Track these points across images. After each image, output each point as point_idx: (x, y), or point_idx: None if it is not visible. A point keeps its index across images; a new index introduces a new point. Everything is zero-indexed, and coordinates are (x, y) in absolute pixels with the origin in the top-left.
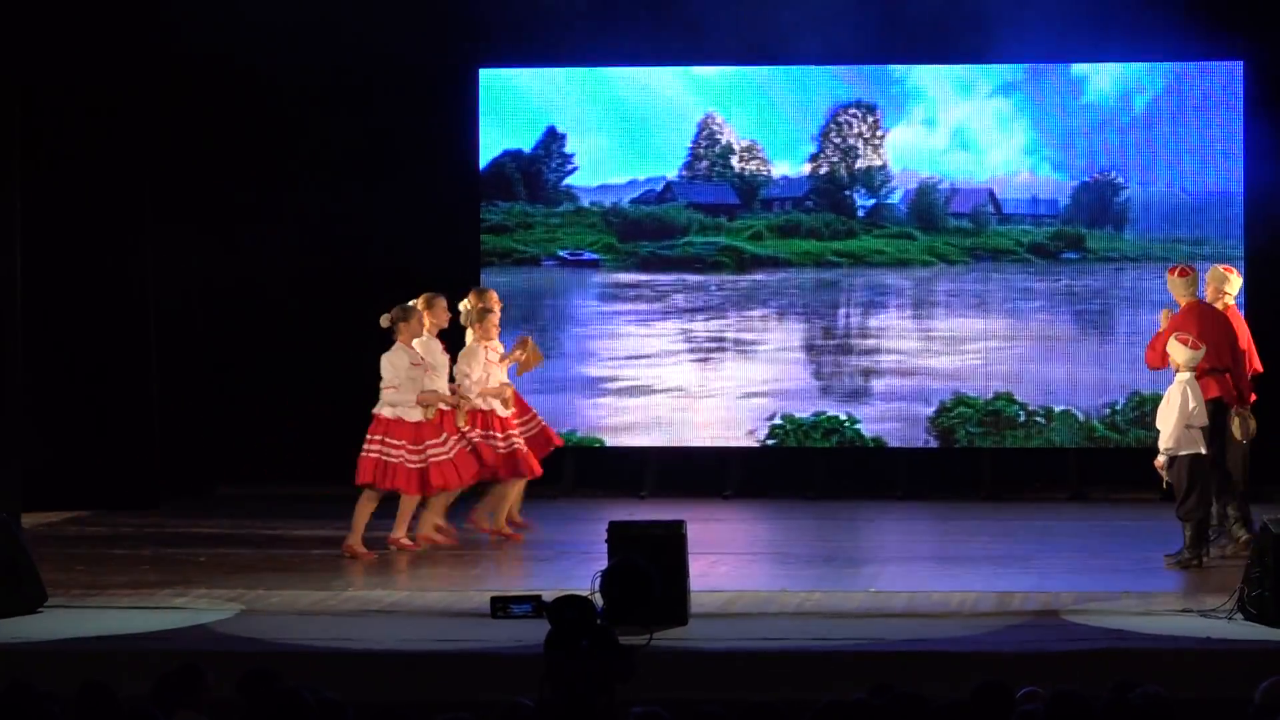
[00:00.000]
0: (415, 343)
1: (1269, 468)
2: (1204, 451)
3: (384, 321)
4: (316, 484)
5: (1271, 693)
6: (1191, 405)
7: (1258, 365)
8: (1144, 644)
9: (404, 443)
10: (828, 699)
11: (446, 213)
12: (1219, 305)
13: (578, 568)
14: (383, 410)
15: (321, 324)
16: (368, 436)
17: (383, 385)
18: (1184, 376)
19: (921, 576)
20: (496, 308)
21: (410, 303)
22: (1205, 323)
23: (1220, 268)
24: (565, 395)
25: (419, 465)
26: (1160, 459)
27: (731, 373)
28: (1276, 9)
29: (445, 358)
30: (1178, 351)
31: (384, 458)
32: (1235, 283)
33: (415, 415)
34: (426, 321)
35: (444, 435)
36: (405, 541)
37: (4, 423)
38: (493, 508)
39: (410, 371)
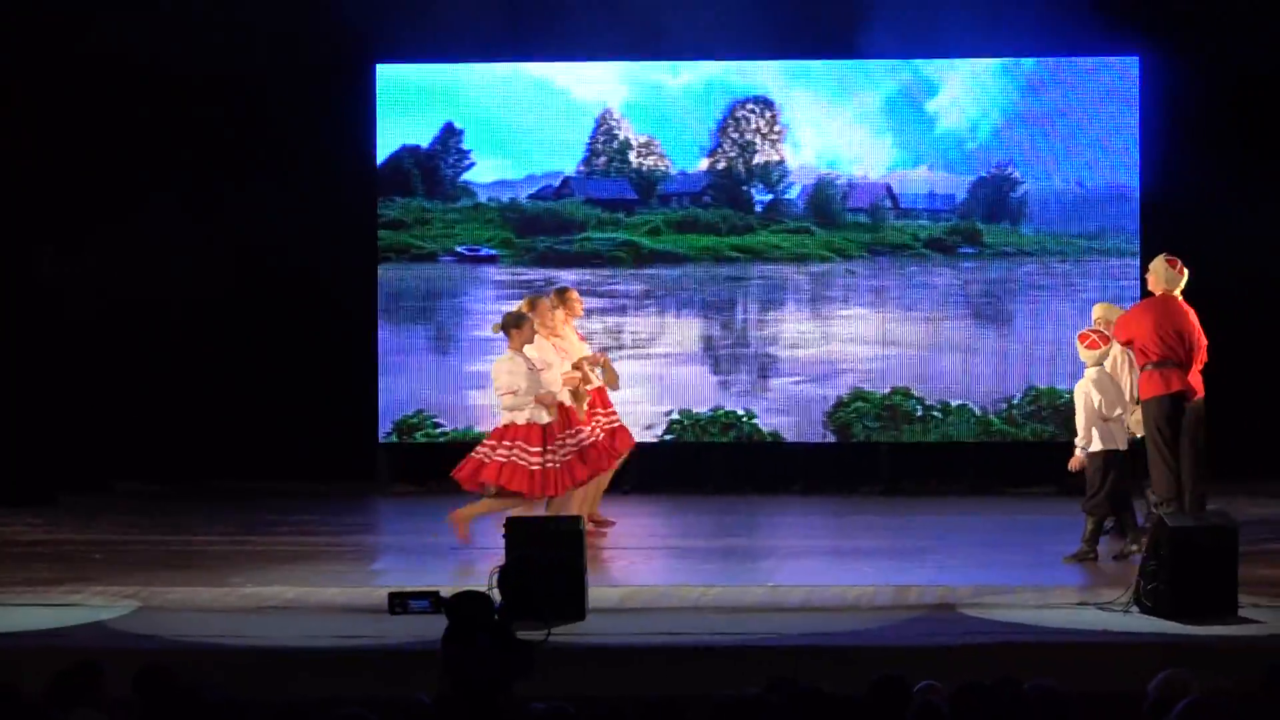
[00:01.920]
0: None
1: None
2: (1121, 447)
3: (494, 329)
4: (214, 480)
5: (1166, 686)
6: (1097, 401)
7: (1198, 358)
8: (1040, 637)
9: (537, 447)
10: (726, 694)
11: (344, 209)
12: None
13: (476, 564)
14: (512, 417)
15: (219, 320)
16: (493, 443)
17: (499, 392)
18: (1092, 372)
19: (819, 571)
20: (538, 313)
21: (519, 307)
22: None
23: (1161, 258)
24: (462, 392)
25: (540, 467)
26: (1077, 456)
27: (629, 368)
28: (1171, 5)
29: (558, 356)
30: (1082, 351)
31: (514, 460)
32: (1167, 275)
33: (545, 417)
34: (552, 320)
35: (565, 434)
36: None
37: None
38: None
39: (530, 376)
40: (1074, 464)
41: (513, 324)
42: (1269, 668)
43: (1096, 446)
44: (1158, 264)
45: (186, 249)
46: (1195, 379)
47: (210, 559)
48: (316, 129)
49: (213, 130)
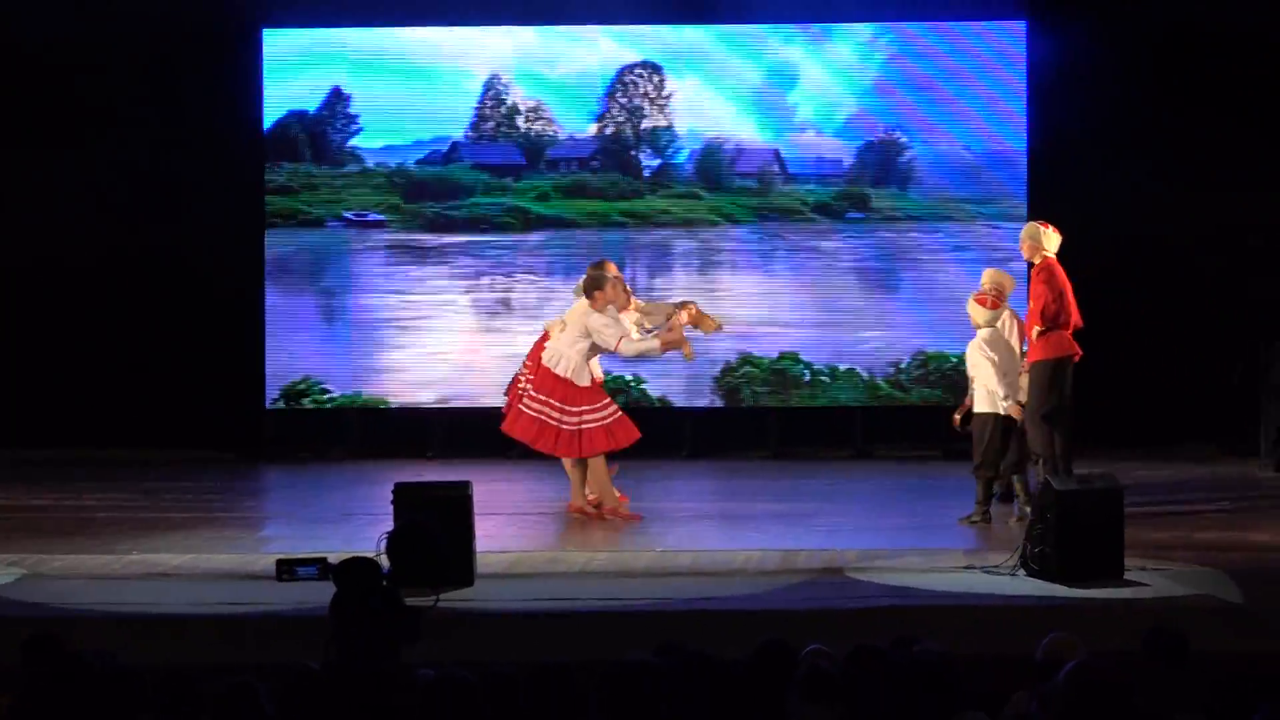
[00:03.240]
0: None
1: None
2: (1000, 411)
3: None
4: (100, 446)
5: (1053, 648)
6: (994, 358)
7: (1078, 320)
8: (927, 601)
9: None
10: (615, 659)
11: (231, 174)
12: (1037, 260)
13: (363, 530)
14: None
15: (106, 286)
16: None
17: (613, 342)
18: (984, 334)
19: (707, 535)
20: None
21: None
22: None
23: (1037, 224)
24: (349, 357)
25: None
26: (957, 416)
27: (517, 334)
28: None
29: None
30: (975, 311)
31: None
32: (1053, 239)
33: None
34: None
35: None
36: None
37: None
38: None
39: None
40: (1016, 412)
41: (594, 285)
42: (1148, 631)
43: (984, 408)
44: (1037, 230)
45: (73, 216)
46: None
47: (97, 526)
48: (203, 94)
49: (99, 96)
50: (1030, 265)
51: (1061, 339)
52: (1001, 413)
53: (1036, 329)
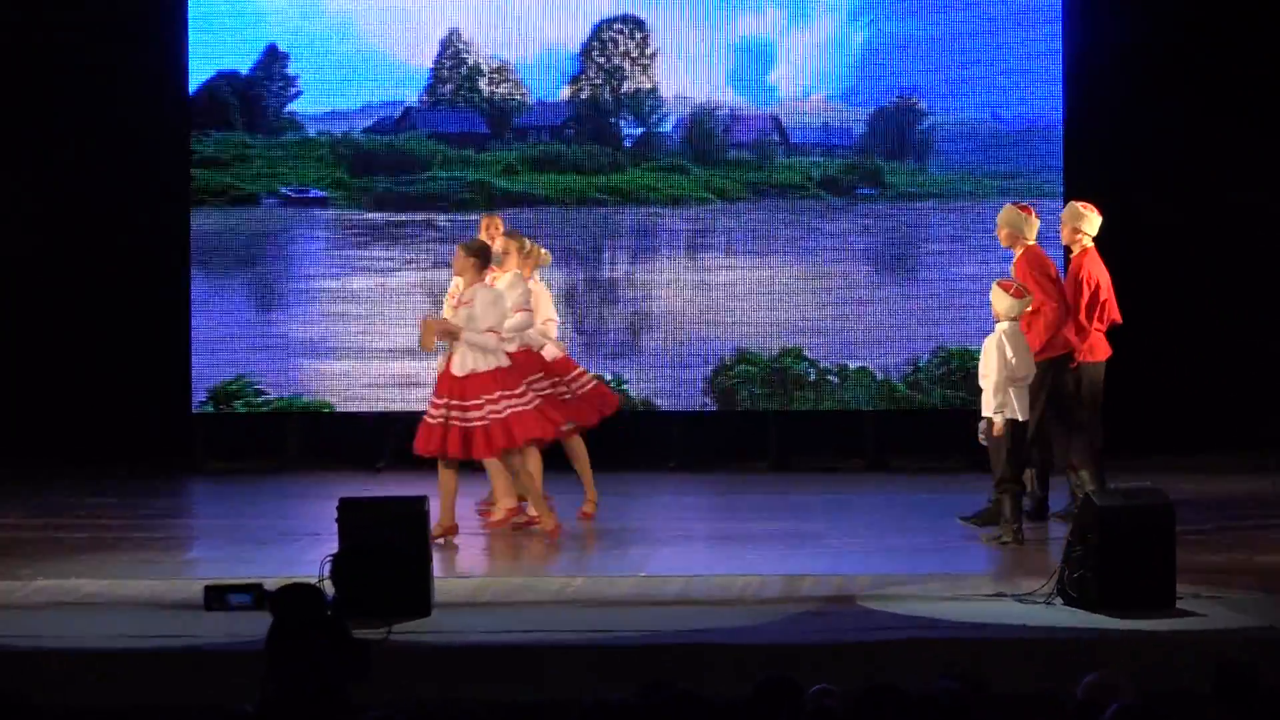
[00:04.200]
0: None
1: (1120, 435)
2: (1023, 417)
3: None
4: None
5: (1095, 688)
6: (1011, 358)
7: (1116, 316)
8: (951, 633)
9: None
10: (592, 698)
11: (150, 145)
12: (1075, 247)
13: (304, 552)
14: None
15: (8, 275)
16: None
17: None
18: (1003, 326)
19: (698, 559)
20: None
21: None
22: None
23: (1077, 205)
24: (287, 354)
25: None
26: (981, 424)
27: None
28: None
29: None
30: (998, 299)
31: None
32: (1094, 221)
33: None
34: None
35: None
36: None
37: None
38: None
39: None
40: (998, 429)
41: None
42: (1219, 666)
43: (993, 412)
44: (1078, 211)
45: None
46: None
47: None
48: (117, 54)
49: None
50: (1068, 251)
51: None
52: (1014, 417)
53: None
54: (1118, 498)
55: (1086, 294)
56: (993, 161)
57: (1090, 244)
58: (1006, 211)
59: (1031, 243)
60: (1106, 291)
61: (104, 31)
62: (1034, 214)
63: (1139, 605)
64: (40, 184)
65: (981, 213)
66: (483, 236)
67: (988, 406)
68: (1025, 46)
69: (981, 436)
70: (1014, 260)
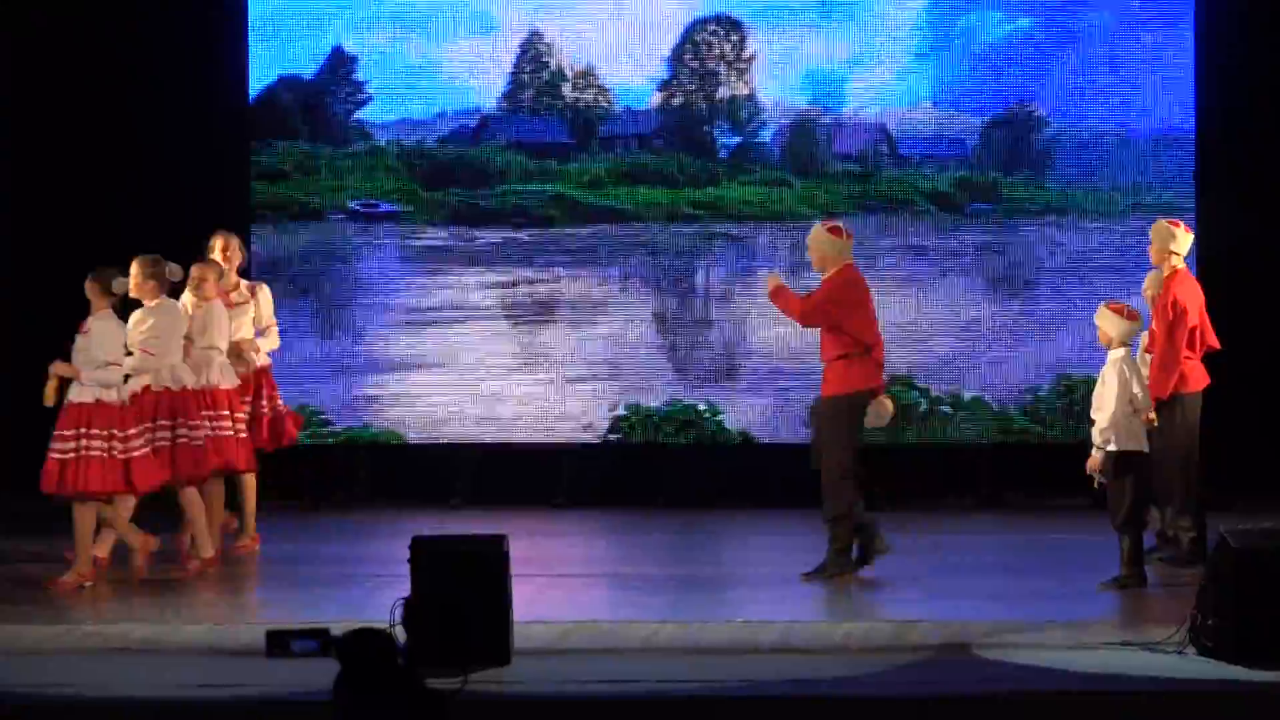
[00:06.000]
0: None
1: (1227, 470)
2: (1144, 449)
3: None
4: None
5: None
6: (1134, 389)
7: (1213, 342)
8: (1072, 685)
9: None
10: None
11: (208, 156)
12: (1165, 268)
13: (374, 595)
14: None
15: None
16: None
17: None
18: (1118, 353)
19: (799, 603)
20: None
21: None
22: None
23: (1165, 222)
24: (355, 381)
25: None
26: (1095, 457)
27: (564, 352)
28: None
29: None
30: (1110, 322)
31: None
32: (1185, 241)
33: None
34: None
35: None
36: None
37: None
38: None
39: None
40: (1094, 465)
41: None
42: None
43: (1111, 445)
44: (1167, 230)
45: (20, 207)
46: None
47: (43, 589)
48: (172, 58)
49: (46, 61)
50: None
51: (1198, 365)
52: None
53: (1196, 353)
54: (1256, 538)
55: (1174, 317)
56: (1118, 174)
57: (1181, 264)
58: (1157, 226)
59: (1181, 264)
60: (1199, 316)
61: (158, 35)
62: (1185, 229)
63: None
64: (89, 199)
65: (1106, 229)
66: (218, 258)
67: (1102, 439)
68: (1154, 49)
69: (1099, 471)
70: (1161, 278)
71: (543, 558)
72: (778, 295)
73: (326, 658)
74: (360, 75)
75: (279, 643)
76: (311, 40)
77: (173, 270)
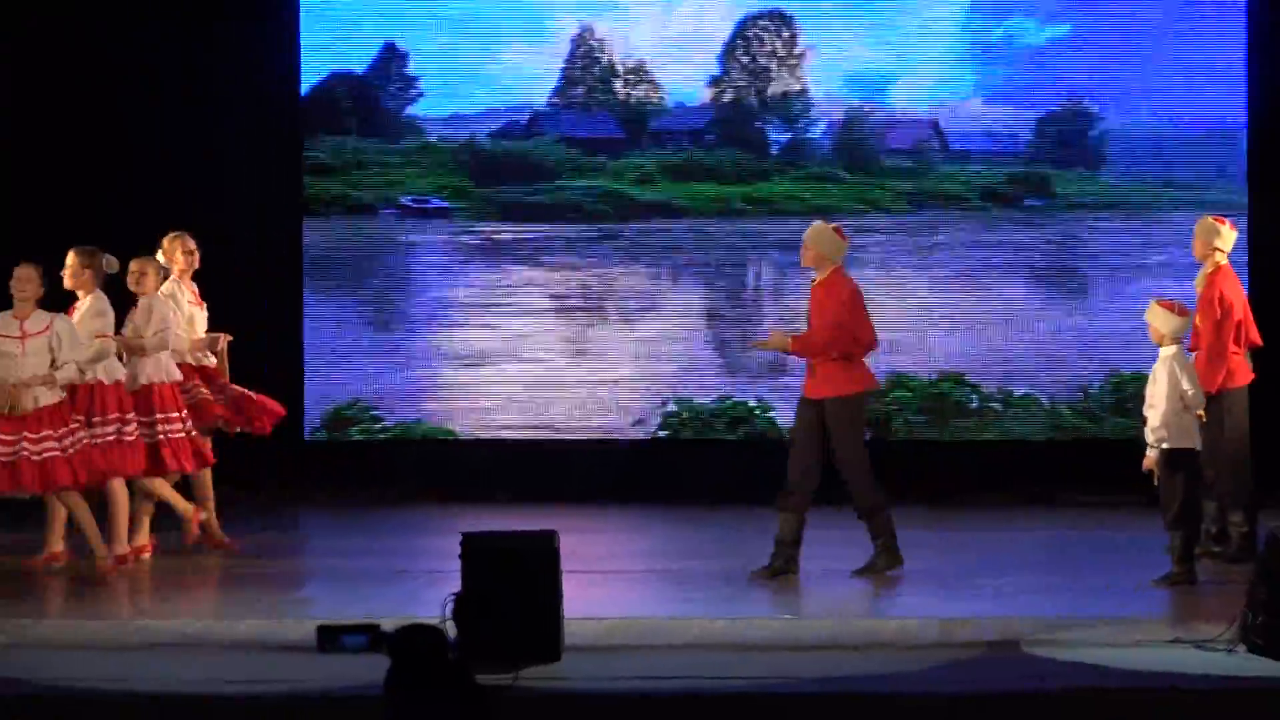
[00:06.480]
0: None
1: (1270, 466)
2: (1197, 446)
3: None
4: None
5: None
6: (1185, 386)
7: (1256, 338)
8: (1123, 682)
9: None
10: None
11: (260, 151)
12: (1209, 265)
13: (424, 590)
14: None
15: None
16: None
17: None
18: (1169, 350)
19: (848, 599)
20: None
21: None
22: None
23: (1210, 218)
24: (408, 375)
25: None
26: (1150, 456)
27: (614, 348)
28: None
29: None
30: (1161, 319)
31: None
32: (1229, 237)
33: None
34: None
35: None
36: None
37: None
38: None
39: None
40: (1150, 463)
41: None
42: None
43: (1171, 443)
44: (1212, 226)
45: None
46: None
47: (92, 583)
48: (224, 54)
49: (107, 62)
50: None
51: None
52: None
53: (1242, 349)
54: None
55: (1221, 313)
56: (1171, 169)
57: (1225, 261)
58: (1202, 223)
59: (1225, 260)
60: (1243, 311)
61: (210, 30)
62: (1229, 225)
63: None
64: (142, 193)
65: (1158, 225)
66: (169, 259)
67: (1155, 437)
68: (1206, 44)
69: (1153, 468)
70: (1206, 274)
71: (592, 553)
72: (798, 348)
73: (377, 653)
74: (412, 71)
75: (330, 638)
76: (364, 36)
77: (109, 262)
